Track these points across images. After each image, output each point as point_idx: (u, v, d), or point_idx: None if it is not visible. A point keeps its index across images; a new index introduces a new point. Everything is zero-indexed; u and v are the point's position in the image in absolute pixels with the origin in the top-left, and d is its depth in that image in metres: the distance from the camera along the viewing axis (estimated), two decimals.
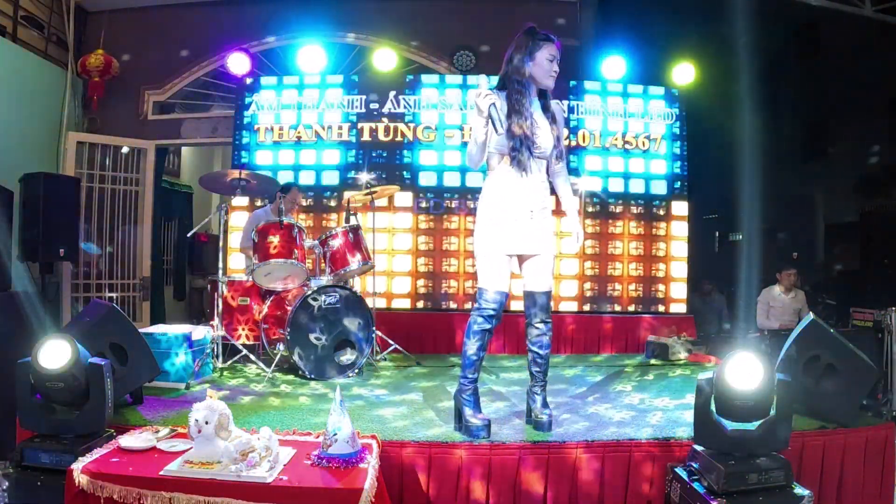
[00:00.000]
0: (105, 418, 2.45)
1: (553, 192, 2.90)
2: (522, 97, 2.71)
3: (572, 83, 5.97)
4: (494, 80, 2.86)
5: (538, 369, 2.84)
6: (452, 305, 5.78)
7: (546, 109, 2.81)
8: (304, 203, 5.67)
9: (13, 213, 4.98)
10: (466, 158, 2.77)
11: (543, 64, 2.72)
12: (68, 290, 6.11)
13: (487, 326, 2.72)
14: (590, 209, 5.88)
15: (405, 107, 5.91)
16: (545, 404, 2.85)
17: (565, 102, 5.83)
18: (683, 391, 3.70)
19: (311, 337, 3.96)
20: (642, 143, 5.99)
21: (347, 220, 4.65)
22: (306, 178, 5.86)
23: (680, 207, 6.03)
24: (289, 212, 4.83)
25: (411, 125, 5.88)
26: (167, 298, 7.32)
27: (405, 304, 5.79)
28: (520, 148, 2.66)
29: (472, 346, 2.73)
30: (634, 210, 5.97)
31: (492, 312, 2.72)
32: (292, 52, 5.95)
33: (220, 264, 4.37)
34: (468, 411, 2.72)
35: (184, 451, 2.22)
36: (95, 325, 2.98)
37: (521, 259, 2.81)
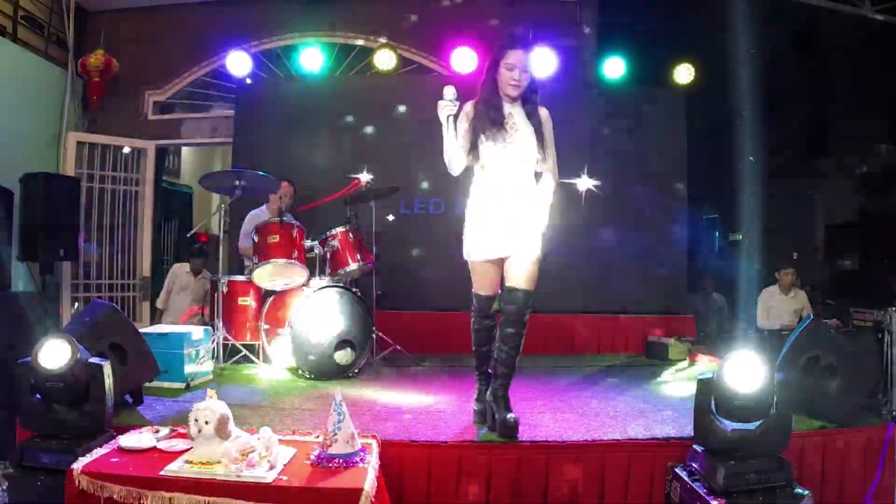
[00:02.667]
0: (105, 418, 2.45)
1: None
2: (489, 106, 2.71)
3: (573, 83, 5.98)
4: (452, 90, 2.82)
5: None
6: (453, 305, 5.78)
7: (531, 115, 2.78)
8: (295, 201, 5.67)
9: (13, 213, 4.99)
10: (447, 165, 2.79)
11: (503, 73, 2.70)
12: (68, 290, 6.11)
13: (482, 325, 2.89)
14: (588, 209, 5.87)
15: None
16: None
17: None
18: (683, 391, 3.70)
19: (311, 337, 3.96)
20: (642, 142, 5.98)
21: (348, 221, 4.65)
22: (307, 178, 5.85)
23: (680, 207, 6.03)
24: (288, 206, 4.83)
25: None
26: None
27: (406, 304, 5.79)
28: (490, 155, 2.70)
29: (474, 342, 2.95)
30: (634, 209, 5.96)
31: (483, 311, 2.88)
32: (292, 52, 5.95)
33: (220, 264, 4.37)
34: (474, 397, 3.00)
35: (184, 451, 2.22)
36: (95, 325, 2.98)
37: (504, 260, 2.81)
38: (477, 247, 2.76)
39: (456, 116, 2.64)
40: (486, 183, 2.75)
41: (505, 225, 2.71)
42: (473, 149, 2.71)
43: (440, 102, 2.62)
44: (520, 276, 2.70)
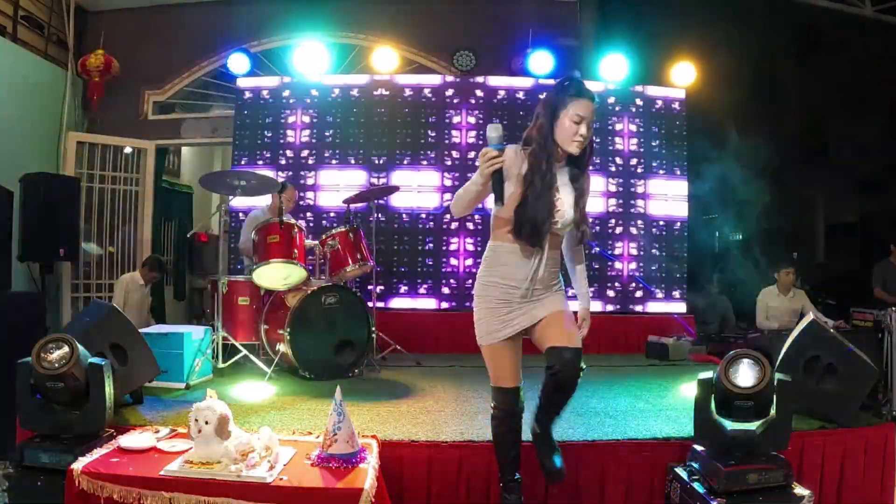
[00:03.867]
0: (105, 418, 2.45)
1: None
2: (542, 163, 2.22)
3: None
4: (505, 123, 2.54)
5: None
6: (452, 305, 5.79)
7: (575, 180, 2.34)
8: (300, 203, 5.69)
9: (13, 213, 4.98)
10: (453, 203, 2.31)
11: (566, 125, 2.23)
12: (68, 290, 6.11)
13: (510, 427, 2.36)
14: (588, 209, 5.87)
15: None
16: None
17: None
18: (683, 391, 3.70)
19: (311, 337, 3.96)
20: (642, 142, 5.99)
21: (347, 221, 4.65)
22: (307, 179, 5.87)
23: (680, 207, 6.04)
24: (287, 209, 4.83)
25: None
26: (167, 298, 7.31)
27: (405, 303, 5.80)
28: (529, 225, 2.21)
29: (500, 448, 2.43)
30: (634, 210, 5.97)
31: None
32: (292, 52, 5.95)
33: (220, 264, 4.36)
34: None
35: (184, 451, 2.22)
36: (95, 325, 2.98)
37: (530, 330, 2.33)
38: (495, 326, 2.29)
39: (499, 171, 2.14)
40: (509, 249, 2.28)
41: (529, 293, 2.28)
42: (498, 201, 2.22)
43: (486, 152, 2.11)
44: (562, 334, 2.25)
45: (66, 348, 2.41)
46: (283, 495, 2.02)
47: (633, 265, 5.93)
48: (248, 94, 5.98)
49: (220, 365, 4.05)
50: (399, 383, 3.93)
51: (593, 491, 2.61)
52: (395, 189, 5.31)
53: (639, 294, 5.92)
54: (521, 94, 5.88)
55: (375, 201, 5.13)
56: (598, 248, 5.67)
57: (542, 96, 2.31)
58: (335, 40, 6.48)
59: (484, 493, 2.56)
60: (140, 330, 3.31)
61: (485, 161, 2.11)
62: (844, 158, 8.63)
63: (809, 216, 9.27)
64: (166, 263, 6.21)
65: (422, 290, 5.79)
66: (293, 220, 4.21)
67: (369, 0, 6.56)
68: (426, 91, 5.95)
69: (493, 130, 2.15)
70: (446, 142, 5.90)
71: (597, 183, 5.93)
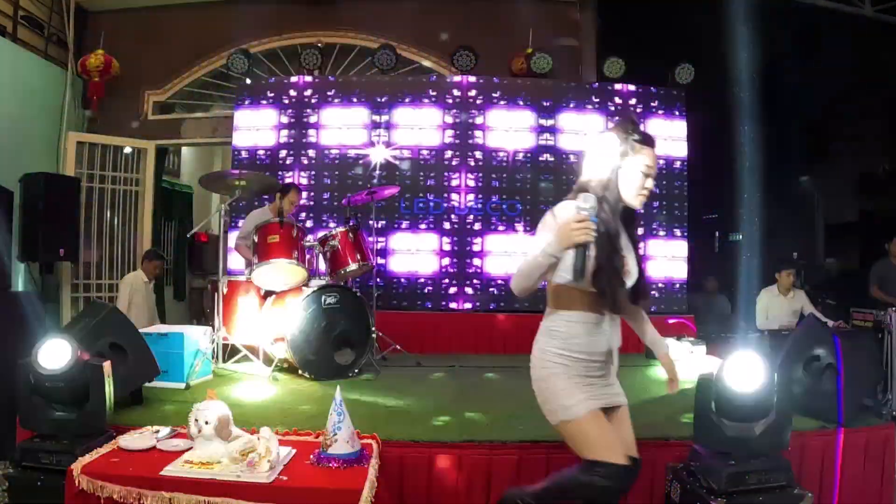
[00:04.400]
0: (105, 418, 2.45)
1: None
2: (611, 222, 1.97)
3: (572, 84, 5.99)
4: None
5: None
6: (453, 305, 5.78)
7: (629, 227, 2.12)
8: (301, 203, 5.69)
9: (13, 213, 4.99)
10: (515, 279, 1.95)
11: (633, 177, 2.00)
12: (68, 290, 6.11)
13: None
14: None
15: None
16: None
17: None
18: (683, 391, 3.69)
19: (311, 337, 3.96)
20: None
21: (348, 221, 4.65)
22: (306, 179, 5.87)
23: (680, 207, 6.04)
24: (288, 212, 4.83)
25: None
26: (167, 298, 7.31)
27: (405, 303, 5.80)
28: (609, 290, 1.94)
29: None
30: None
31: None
32: (292, 52, 5.95)
33: (220, 264, 4.36)
34: None
35: (184, 451, 2.22)
36: (95, 325, 2.98)
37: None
38: (586, 392, 2.00)
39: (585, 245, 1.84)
40: (583, 319, 2.01)
41: (611, 366, 2.10)
42: (580, 275, 1.88)
43: (582, 218, 1.81)
44: (630, 440, 2.06)
45: (66, 348, 2.41)
46: (283, 495, 2.02)
47: None
48: (248, 94, 5.98)
49: (220, 365, 4.05)
50: (399, 383, 3.92)
51: None
52: (396, 189, 5.30)
53: None
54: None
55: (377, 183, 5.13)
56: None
57: (596, 141, 2.07)
58: (335, 40, 6.48)
59: (484, 493, 2.56)
60: (140, 330, 3.31)
61: (578, 226, 1.79)
62: (844, 158, 8.64)
63: (809, 216, 9.28)
64: (166, 263, 6.22)
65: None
66: (293, 220, 4.21)
67: (370, 0, 6.57)
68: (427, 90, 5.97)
69: (586, 201, 1.84)
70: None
71: None
